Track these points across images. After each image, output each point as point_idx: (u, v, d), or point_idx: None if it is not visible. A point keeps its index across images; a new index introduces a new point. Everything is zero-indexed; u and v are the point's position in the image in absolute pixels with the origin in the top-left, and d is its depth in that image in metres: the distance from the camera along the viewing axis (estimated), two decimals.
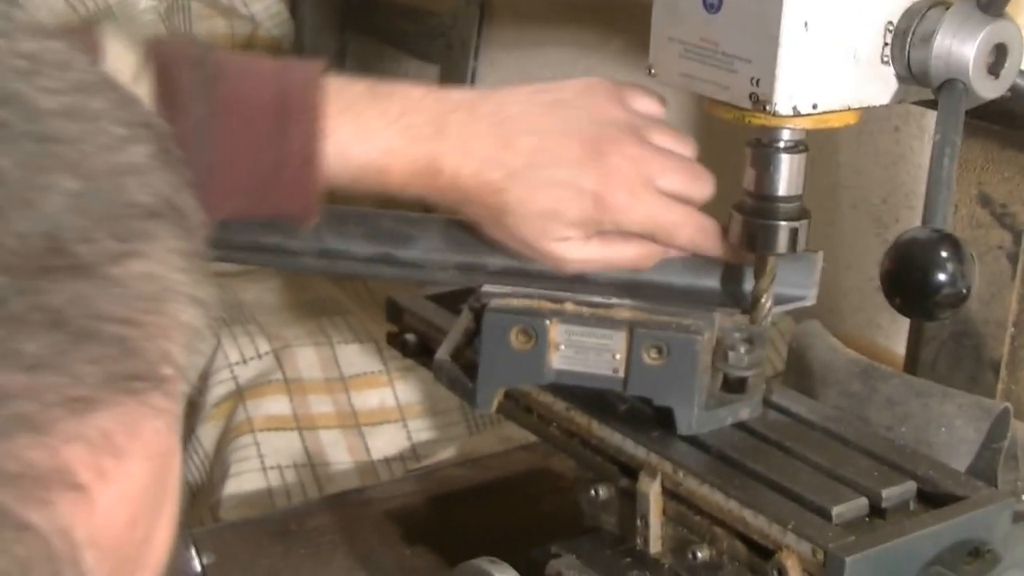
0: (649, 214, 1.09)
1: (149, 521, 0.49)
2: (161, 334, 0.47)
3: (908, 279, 0.88)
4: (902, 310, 0.90)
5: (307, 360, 1.56)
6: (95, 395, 0.44)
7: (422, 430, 1.56)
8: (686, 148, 1.13)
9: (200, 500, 1.51)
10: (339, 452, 1.51)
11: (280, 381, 1.54)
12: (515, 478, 1.38)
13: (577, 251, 1.10)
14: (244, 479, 1.46)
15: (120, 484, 0.46)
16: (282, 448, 1.50)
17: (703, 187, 1.11)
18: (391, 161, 1.06)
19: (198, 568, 0.58)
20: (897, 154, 1.61)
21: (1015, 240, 1.16)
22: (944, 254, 0.88)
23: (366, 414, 1.55)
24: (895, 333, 1.58)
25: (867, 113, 1.64)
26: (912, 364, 1.24)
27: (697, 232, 1.11)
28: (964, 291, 0.88)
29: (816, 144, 1.70)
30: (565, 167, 1.08)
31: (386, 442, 1.54)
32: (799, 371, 1.18)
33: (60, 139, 0.46)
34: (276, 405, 1.53)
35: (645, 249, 1.11)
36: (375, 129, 1.06)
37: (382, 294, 1.27)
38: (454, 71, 2.29)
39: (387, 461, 1.53)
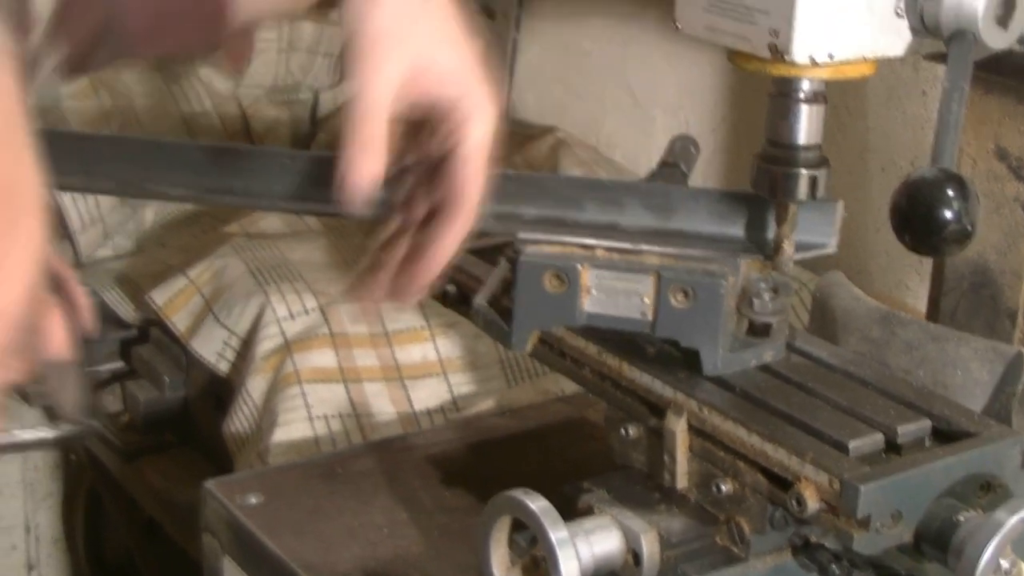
0: None
1: None
2: None
3: (916, 216, 0.92)
4: (911, 247, 0.94)
5: (352, 315, 1.61)
6: None
7: (463, 383, 1.60)
8: None
9: (249, 447, 1.56)
10: (383, 403, 1.56)
11: (326, 335, 1.59)
12: (552, 427, 1.42)
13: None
14: (292, 428, 1.51)
15: None
16: (328, 399, 1.54)
17: None
18: None
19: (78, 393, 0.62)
20: (925, 118, 1.64)
21: None
22: (950, 192, 0.92)
23: (409, 367, 1.59)
24: (922, 294, 1.61)
25: (895, 78, 1.69)
26: (933, 313, 1.28)
27: None
28: (969, 228, 0.92)
29: (846, 109, 1.75)
30: None
31: (428, 394, 1.58)
32: (822, 319, 1.22)
33: None
34: (322, 358, 1.57)
35: None
36: None
37: None
38: (495, 43, 2.33)
39: (429, 412, 1.57)
